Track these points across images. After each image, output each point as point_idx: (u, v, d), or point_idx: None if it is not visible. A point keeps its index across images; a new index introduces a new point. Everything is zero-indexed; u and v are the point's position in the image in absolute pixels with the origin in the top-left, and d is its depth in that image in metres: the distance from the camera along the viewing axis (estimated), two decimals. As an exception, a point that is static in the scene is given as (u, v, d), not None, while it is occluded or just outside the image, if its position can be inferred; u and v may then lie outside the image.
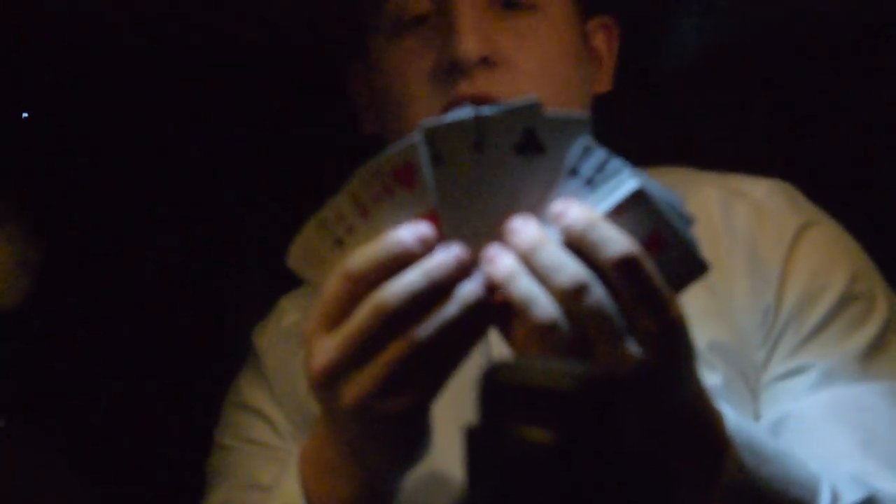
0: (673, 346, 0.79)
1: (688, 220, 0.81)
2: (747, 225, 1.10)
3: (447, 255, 0.79)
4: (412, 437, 0.87)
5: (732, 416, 0.86)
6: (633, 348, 0.78)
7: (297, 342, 1.18)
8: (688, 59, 1.48)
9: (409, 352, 0.79)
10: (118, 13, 1.48)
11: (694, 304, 1.04)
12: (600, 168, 0.79)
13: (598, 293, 0.77)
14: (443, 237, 0.80)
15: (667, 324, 0.78)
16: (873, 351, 1.04)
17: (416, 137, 0.79)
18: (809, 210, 1.13)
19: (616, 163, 0.79)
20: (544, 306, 0.77)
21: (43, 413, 1.47)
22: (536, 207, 0.80)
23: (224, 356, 1.28)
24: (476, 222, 0.81)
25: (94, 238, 1.60)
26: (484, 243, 0.81)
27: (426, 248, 0.80)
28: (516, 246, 0.79)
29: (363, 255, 0.80)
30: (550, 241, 0.78)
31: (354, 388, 0.81)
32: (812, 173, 1.23)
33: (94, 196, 1.59)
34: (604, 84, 1.19)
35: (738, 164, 1.19)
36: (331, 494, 0.92)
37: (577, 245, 0.78)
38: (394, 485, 0.91)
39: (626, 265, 0.77)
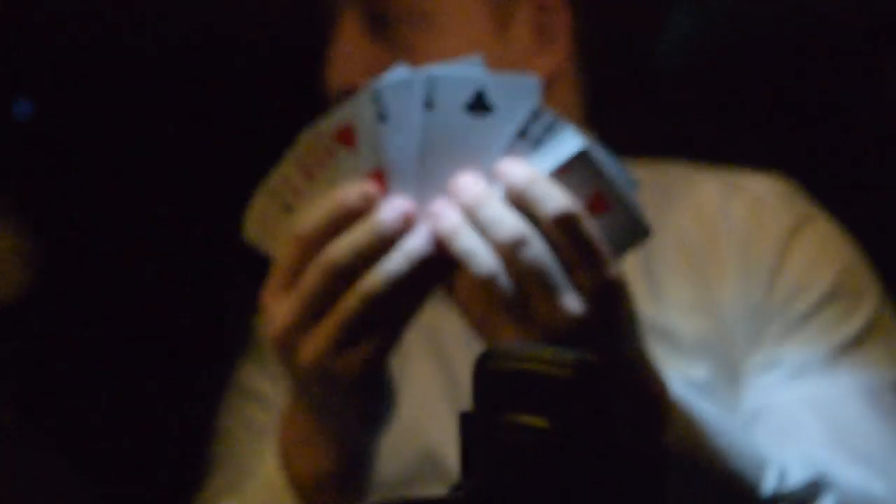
0: (608, 304, 0.81)
1: (633, 185, 0.82)
2: (744, 220, 1.11)
3: (391, 210, 0.81)
4: (374, 395, 0.89)
5: (677, 389, 0.87)
6: (570, 304, 0.79)
7: None
8: (683, 57, 1.49)
9: (359, 306, 0.81)
10: (119, 12, 1.49)
11: (683, 296, 1.05)
12: (548, 129, 0.80)
13: (537, 247, 0.78)
14: (387, 195, 0.83)
15: (603, 281, 0.80)
16: (851, 348, 1.04)
17: (362, 97, 0.81)
18: (807, 206, 1.14)
19: (564, 126, 0.81)
20: (484, 259, 0.78)
21: (42, 411, 1.47)
22: (484, 168, 0.82)
23: (225, 354, 1.29)
24: (424, 181, 0.83)
25: (94, 234, 1.60)
26: (432, 201, 0.83)
27: (370, 205, 0.82)
28: (461, 201, 0.80)
29: (310, 218, 0.83)
30: (494, 197, 0.80)
31: (310, 347, 0.83)
32: (811, 172, 1.23)
33: (95, 191, 1.60)
34: (552, 58, 1.13)
35: (735, 161, 1.19)
36: (307, 466, 0.93)
37: (518, 202, 0.79)
38: (366, 450, 0.93)
39: (564, 221, 0.78)
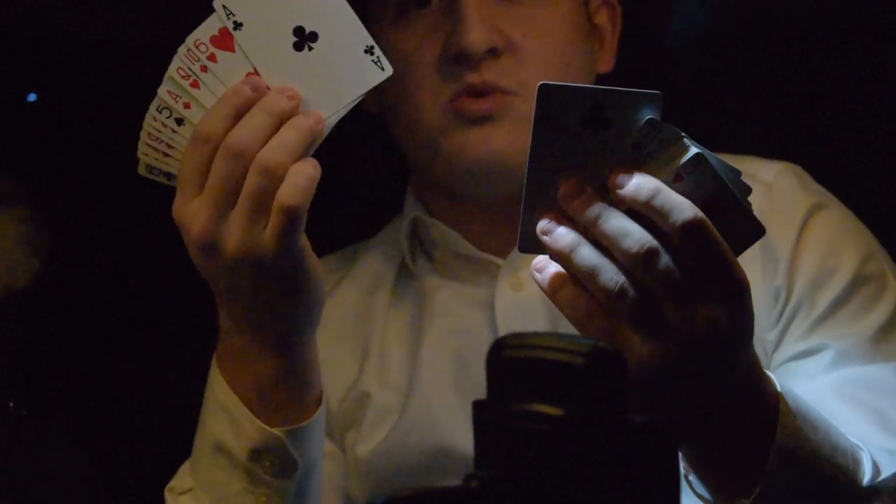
0: (742, 306, 0.81)
1: (743, 189, 0.83)
2: (758, 207, 1.10)
3: (279, 94, 0.88)
4: (301, 277, 0.91)
5: (781, 382, 0.87)
6: (705, 310, 0.79)
7: None
8: (691, 39, 1.49)
9: (262, 178, 0.85)
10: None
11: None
12: (661, 140, 0.80)
13: (667, 257, 0.78)
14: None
15: (735, 285, 0.80)
16: (886, 331, 1.05)
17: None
18: (819, 192, 1.15)
19: (675, 133, 0.81)
20: (610, 273, 0.78)
21: (50, 397, 1.48)
22: (597, 179, 0.82)
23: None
24: (533, 192, 0.84)
25: (101, 222, 1.60)
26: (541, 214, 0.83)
27: (261, 93, 0.87)
28: (579, 215, 0.81)
29: (208, 116, 0.88)
30: (615, 210, 0.80)
31: (231, 236, 0.87)
32: (819, 157, 1.23)
33: (102, 181, 1.59)
34: (606, 63, 1.21)
35: (743, 146, 1.19)
36: (249, 379, 0.95)
37: (643, 212, 0.79)
38: (304, 354, 0.95)
39: (694, 230, 0.78)
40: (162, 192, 1.11)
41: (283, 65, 0.88)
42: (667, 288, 0.79)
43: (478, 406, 0.70)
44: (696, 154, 0.80)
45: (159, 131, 0.90)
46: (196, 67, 0.88)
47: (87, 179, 1.59)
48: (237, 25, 0.87)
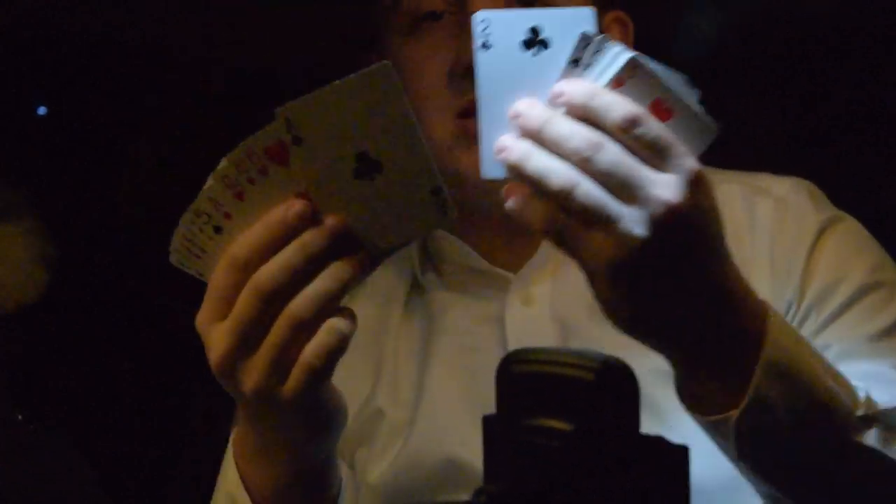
0: (698, 189, 0.81)
1: (690, 86, 0.83)
2: (770, 222, 1.12)
3: (322, 229, 0.82)
4: (320, 411, 0.89)
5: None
6: (662, 191, 0.79)
7: None
8: (700, 51, 1.49)
9: (291, 330, 0.82)
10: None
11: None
12: (597, 52, 0.82)
13: (614, 149, 0.79)
14: (318, 214, 0.82)
15: (687, 168, 0.80)
16: (888, 334, 1.06)
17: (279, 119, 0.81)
18: (831, 208, 1.15)
19: (612, 44, 0.82)
20: (561, 173, 0.79)
21: (55, 409, 1.48)
22: (542, 98, 0.83)
23: None
24: (486, 120, 0.84)
25: (106, 236, 1.61)
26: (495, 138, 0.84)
27: (304, 223, 0.82)
28: (525, 126, 0.81)
29: (243, 240, 0.82)
30: (558, 115, 0.80)
31: (251, 376, 0.83)
32: (831, 171, 1.23)
33: (108, 195, 1.60)
34: None
35: (753, 159, 1.20)
36: (264, 478, 0.94)
37: (583, 116, 0.80)
38: (323, 459, 0.94)
39: (632, 123, 0.79)
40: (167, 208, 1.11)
41: (339, 192, 0.82)
42: (619, 178, 0.79)
43: (487, 421, 0.71)
44: (630, 58, 0.80)
45: (195, 234, 0.84)
46: (243, 178, 0.81)
47: (89, 192, 1.60)
48: (297, 140, 0.80)
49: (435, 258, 1.17)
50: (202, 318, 0.84)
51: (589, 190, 0.78)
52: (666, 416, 1.00)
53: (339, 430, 0.92)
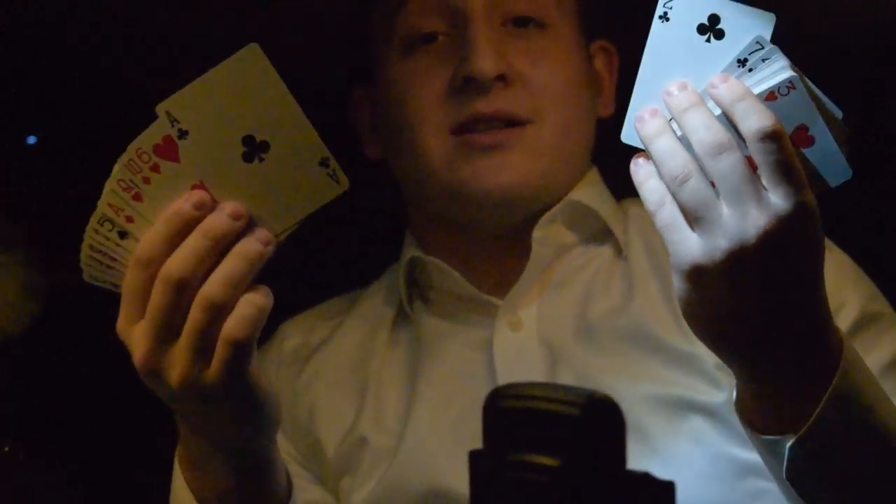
0: (803, 226, 0.80)
1: (839, 129, 0.83)
2: None
3: (221, 213, 0.82)
4: (252, 404, 0.88)
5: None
6: (761, 216, 0.79)
7: (298, 366, 1.20)
8: None
9: (207, 313, 0.82)
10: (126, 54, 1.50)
11: None
12: (765, 59, 0.82)
13: (738, 157, 0.79)
14: (216, 202, 0.83)
15: (799, 202, 0.79)
16: (892, 369, 1.05)
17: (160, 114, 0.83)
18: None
19: (780, 56, 0.83)
20: (680, 160, 0.80)
21: (45, 439, 1.47)
22: (701, 87, 0.85)
23: None
24: (642, 90, 0.85)
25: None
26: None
27: (203, 212, 0.83)
28: (669, 104, 0.82)
29: (146, 240, 0.83)
30: (703, 106, 0.81)
31: (175, 367, 0.83)
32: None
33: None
34: (606, 108, 1.21)
35: None
36: (207, 484, 0.94)
37: (727, 113, 0.81)
38: (261, 459, 0.93)
39: (768, 137, 0.78)
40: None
41: (231, 177, 0.83)
42: (731, 185, 0.79)
43: (474, 456, 0.70)
44: (791, 76, 0.81)
45: (102, 244, 0.85)
46: (138, 179, 0.83)
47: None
48: (182, 134, 0.82)
49: (422, 285, 1.17)
50: (121, 324, 0.85)
51: (698, 186, 0.79)
52: (655, 443, 1.00)
53: (274, 426, 0.92)
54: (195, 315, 0.82)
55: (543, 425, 0.69)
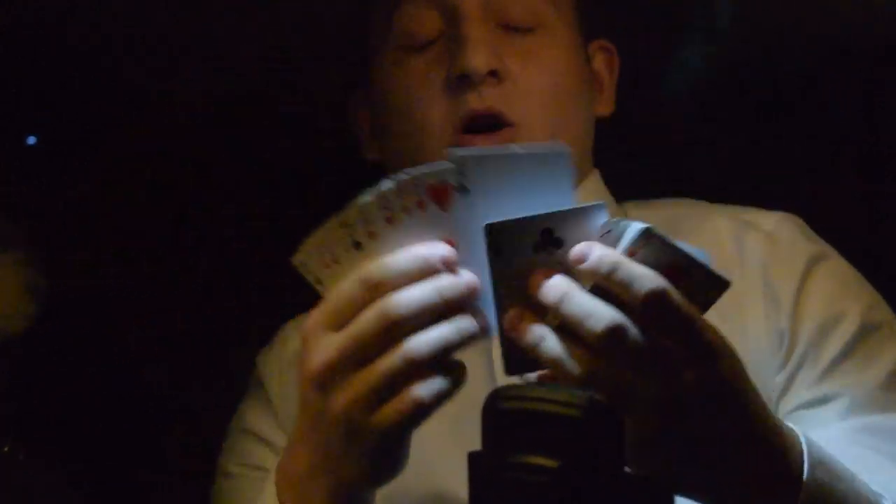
0: (716, 368, 0.81)
1: (699, 251, 0.84)
2: (760, 254, 1.13)
3: (461, 279, 0.82)
4: (392, 455, 0.88)
5: (804, 432, 0.88)
6: (678, 379, 0.79)
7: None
8: (690, 86, 1.51)
9: (402, 364, 0.81)
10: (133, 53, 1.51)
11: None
12: (616, 232, 0.82)
13: (634, 331, 0.78)
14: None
15: (706, 348, 0.80)
16: (894, 380, 1.07)
17: (469, 164, 0.83)
18: (819, 242, 1.16)
19: (627, 222, 0.82)
20: (570, 365, 0.79)
21: (45, 439, 1.48)
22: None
23: (229, 382, 1.30)
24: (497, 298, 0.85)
25: (98, 263, 1.61)
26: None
27: (449, 269, 0.83)
28: (546, 301, 0.81)
29: (384, 265, 0.83)
30: (577, 289, 0.80)
31: (345, 394, 0.83)
32: (820, 206, 1.24)
33: (100, 222, 1.60)
34: (606, 106, 1.23)
35: (738, 192, 1.22)
36: (301, 501, 0.93)
37: (606, 286, 0.80)
38: (365, 499, 0.93)
39: (658, 299, 0.78)
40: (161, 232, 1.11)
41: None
42: (636, 362, 0.78)
43: (473, 458, 0.71)
44: (643, 228, 0.81)
45: (333, 243, 0.85)
46: (399, 205, 0.83)
47: (85, 222, 1.61)
48: (463, 189, 0.82)
49: None
50: (314, 323, 0.85)
51: (607, 377, 0.78)
52: None
53: (395, 475, 0.91)
54: (395, 360, 0.82)
55: (543, 426, 0.69)
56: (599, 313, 0.77)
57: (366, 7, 1.19)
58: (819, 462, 0.86)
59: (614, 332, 0.77)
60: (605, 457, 0.69)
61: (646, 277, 0.78)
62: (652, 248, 0.81)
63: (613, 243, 0.81)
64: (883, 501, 0.90)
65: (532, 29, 1.13)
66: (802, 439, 0.86)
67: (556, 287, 0.80)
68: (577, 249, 0.80)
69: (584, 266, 0.79)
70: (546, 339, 0.79)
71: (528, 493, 0.69)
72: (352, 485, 0.90)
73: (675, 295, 0.78)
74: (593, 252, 0.79)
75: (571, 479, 0.68)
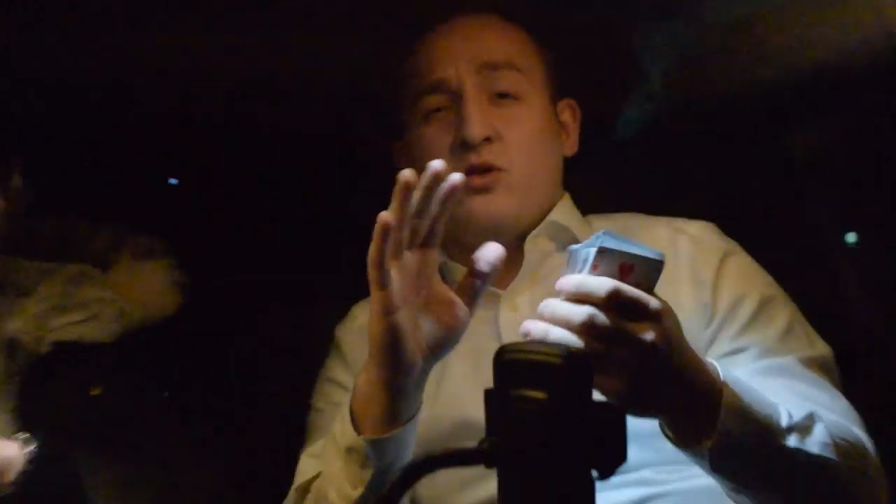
0: (665, 325, 0.85)
1: (638, 245, 0.87)
2: (687, 251, 1.14)
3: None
4: (420, 382, 0.94)
5: (718, 364, 0.90)
6: (640, 341, 0.83)
7: (360, 340, 1.21)
8: (634, 132, 1.49)
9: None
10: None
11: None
12: (581, 258, 0.87)
13: (602, 317, 0.83)
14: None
15: (655, 315, 0.84)
16: (787, 334, 1.08)
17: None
18: (730, 242, 1.17)
19: (584, 248, 0.87)
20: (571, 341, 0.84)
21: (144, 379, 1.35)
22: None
23: (314, 349, 1.29)
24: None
25: (218, 268, 1.56)
26: None
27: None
28: (544, 314, 0.86)
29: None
30: (559, 302, 0.85)
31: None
32: (724, 215, 1.24)
33: (219, 236, 1.57)
34: (571, 148, 1.22)
35: (668, 207, 1.22)
36: (367, 412, 0.96)
37: (577, 299, 0.84)
38: (403, 402, 0.95)
39: (613, 296, 0.83)
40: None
41: None
42: (606, 338, 0.83)
43: (487, 393, 0.72)
44: (597, 250, 0.85)
45: None
46: (589, 265, 0.86)
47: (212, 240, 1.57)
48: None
49: (448, 281, 1.18)
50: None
51: (599, 335, 0.83)
52: None
53: (414, 375, 0.93)
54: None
55: (534, 370, 0.70)
56: (577, 311, 0.83)
57: (399, 91, 1.20)
58: (732, 380, 0.89)
59: (590, 317, 0.82)
60: (577, 390, 0.70)
61: (600, 284, 0.83)
62: (607, 258, 0.85)
63: (584, 263, 0.86)
64: (779, 407, 0.92)
65: (515, 97, 1.13)
66: (717, 366, 0.89)
67: (545, 304, 0.86)
68: (557, 285, 0.86)
69: (559, 289, 0.86)
70: (548, 332, 0.85)
71: (525, 416, 0.70)
72: (399, 397, 0.94)
73: (624, 287, 0.83)
74: (560, 281, 0.86)
75: (555, 406, 0.69)
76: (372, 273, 0.89)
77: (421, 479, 0.85)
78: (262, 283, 1.58)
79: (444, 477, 1.05)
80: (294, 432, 1.20)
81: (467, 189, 1.09)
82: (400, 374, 0.93)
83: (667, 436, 0.90)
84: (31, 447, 1.06)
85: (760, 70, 1.31)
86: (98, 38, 1.34)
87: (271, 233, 1.61)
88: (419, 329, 0.93)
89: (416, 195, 0.89)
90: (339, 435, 0.98)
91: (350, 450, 0.96)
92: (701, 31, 1.33)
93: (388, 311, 0.90)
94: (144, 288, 1.28)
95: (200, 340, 1.44)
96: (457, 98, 1.12)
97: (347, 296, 1.25)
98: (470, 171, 1.09)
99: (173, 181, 1.64)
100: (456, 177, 0.89)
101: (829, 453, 0.92)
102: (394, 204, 0.88)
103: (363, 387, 0.96)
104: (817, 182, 1.45)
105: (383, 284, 0.89)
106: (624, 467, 0.70)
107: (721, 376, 0.88)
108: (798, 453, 0.91)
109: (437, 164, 0.89)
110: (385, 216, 0.87)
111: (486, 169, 1.10)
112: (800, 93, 1.33)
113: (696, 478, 0.99)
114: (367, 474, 0.95)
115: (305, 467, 1.07)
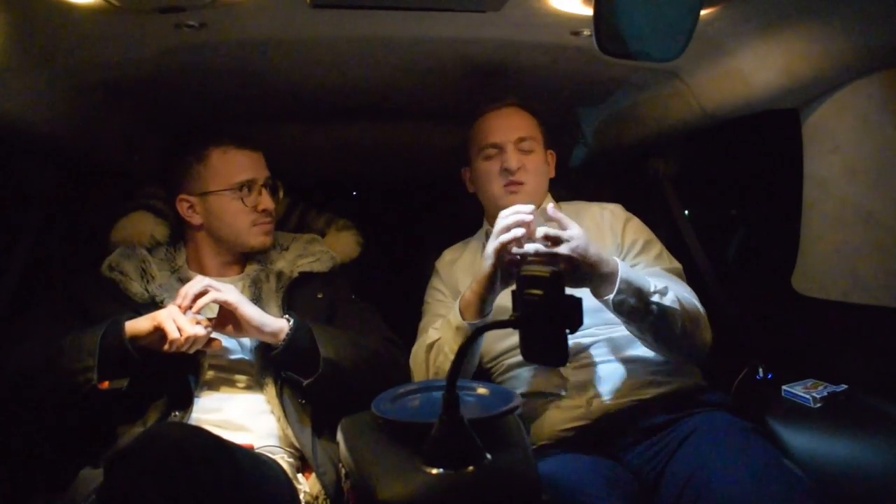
0: (573, 244, 1.05)
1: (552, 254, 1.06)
2: (609, 218, 1.30)
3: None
4: (495, 292, 1.12)
5: (615, 257, 1.10)
6: (564, 251, 1.04)
7: (450, 267, 1.35)
8: (580, 164, 1.63)
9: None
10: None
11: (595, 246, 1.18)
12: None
13: (564, 251, 1.04)
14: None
15: (568, 239, 1.04)
16: (658, 258, 1.25)
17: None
18: (629, 213, 1.33)
19: (543, 227, 1.06)
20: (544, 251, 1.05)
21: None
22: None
23: (424, 275, 1.37)
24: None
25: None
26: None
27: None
28: (528, 249, 1.06)
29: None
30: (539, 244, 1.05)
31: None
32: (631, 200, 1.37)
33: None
34: (551, 173, 1.36)
35: (599, 197, 1.36)
36: (468, 309, 1.13)
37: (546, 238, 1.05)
38: (485, 304, 1.13)
39: (544, 235, 1.05)
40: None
41: None
42: (566, 262, 1.04)
43: (513, 293, 0.86)
44: (545, 229, 1.05)
45: None
46: None
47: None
48: None
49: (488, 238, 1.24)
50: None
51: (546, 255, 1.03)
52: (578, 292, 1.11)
53: (494, 294, 1.10)
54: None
55: (536, 279, 0.84)
56: (535, 245, 1.05)
57: (468, 142, 1.34)
58: (623, 267, 1.08)
59: (553, 254, 1.00)
60: (558, 289, 0.83)
61: (540, 231, 1.04)
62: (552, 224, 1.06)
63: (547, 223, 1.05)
64: (649, 280, 1.10)
65: (530, 150, 1.30)
66: (616, 259, 1.10)
67: (529, 245, 1.07)
68: (538, 232, 1.07)
69: (538, 236, 1.07)
70: (527, 247, 1.03)
71: (532, 302, 0.81)
72: (486, 301, 1.13)
73: (549, 230, 1.05)
74: (539, 232, 1.06)
75: (547, 298, 0.81)
76: (495, 250, 1.09)
77: (483, 334, 1.04)
78: (407, 238, 1.71)
79: (493, 334, 1.24)
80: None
81: (507, 192, 1.28)
82: (488, 293, 1.12)
83: (593, 292, 1.07)
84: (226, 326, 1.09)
85: (636, 130, 1.50)
86: None
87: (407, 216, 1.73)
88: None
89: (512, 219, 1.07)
90: (452, 319, 1.16)
91: (458, 328, 1.15)
92: (607, 114, 1.51)
93: (493, 265, 1.09)
94: (342, 245, 1.35)
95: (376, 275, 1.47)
96: (502, 150, 1.30)
97: (440, 245, 1.40)
98: (508, 185, 1.27)
99: (354, 194, 1.71)
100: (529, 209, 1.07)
101: (677, 306, 1.09)
102: (508, 223, 1.08)
103: (468, 296, 1.13)
104: (671, 184, 1.62)
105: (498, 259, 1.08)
106: (582, 327, 0.84)
107: (617, 262, 1.06)
108: (659, 305, 1.08)
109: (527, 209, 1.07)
110: (510, 234, 1.06)
111: (516, 183, 1.29)
112: (658, 141, 1.50)
113: (619, 330, 1.17)
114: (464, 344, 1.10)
115: (433, 334, 1.21)
